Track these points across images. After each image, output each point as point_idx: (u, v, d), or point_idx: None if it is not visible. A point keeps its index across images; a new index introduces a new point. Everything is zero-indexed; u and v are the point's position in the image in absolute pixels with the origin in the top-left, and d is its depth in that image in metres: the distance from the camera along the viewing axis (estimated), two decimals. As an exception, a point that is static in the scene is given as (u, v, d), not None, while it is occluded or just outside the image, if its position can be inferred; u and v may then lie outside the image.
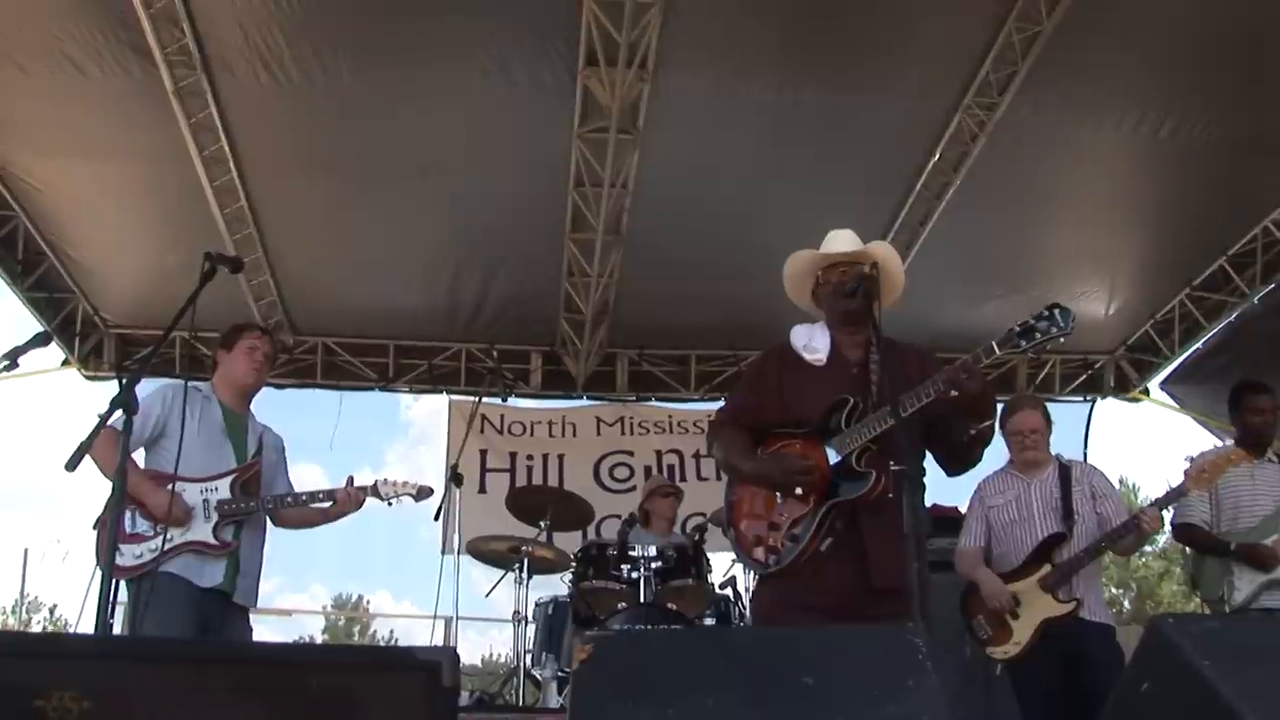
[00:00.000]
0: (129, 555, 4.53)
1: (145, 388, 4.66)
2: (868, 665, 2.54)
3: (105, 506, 4.58)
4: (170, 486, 4.49)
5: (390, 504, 5.04)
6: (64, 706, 2.12)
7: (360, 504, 5.00)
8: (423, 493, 5.11)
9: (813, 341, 4.05)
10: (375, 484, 5.01)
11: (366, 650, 3.90)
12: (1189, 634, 2.66)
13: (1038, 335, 3.62)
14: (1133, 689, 2.77)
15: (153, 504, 4.55)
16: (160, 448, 4.75)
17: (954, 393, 3.64)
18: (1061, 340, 3.70)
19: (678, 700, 2.44)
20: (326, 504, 4.97)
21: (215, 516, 4.69)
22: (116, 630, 4.18)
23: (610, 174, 7.87)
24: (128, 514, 4.54)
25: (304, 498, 4.96)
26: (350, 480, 5.01)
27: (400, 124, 7.66)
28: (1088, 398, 11.22)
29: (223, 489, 4.75)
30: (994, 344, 3.69)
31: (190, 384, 4.89)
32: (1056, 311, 3.61)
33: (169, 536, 4.53)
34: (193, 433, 4.69)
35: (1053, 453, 5.67)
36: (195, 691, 2.17)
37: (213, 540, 4.67)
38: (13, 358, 4.35)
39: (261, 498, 4.87)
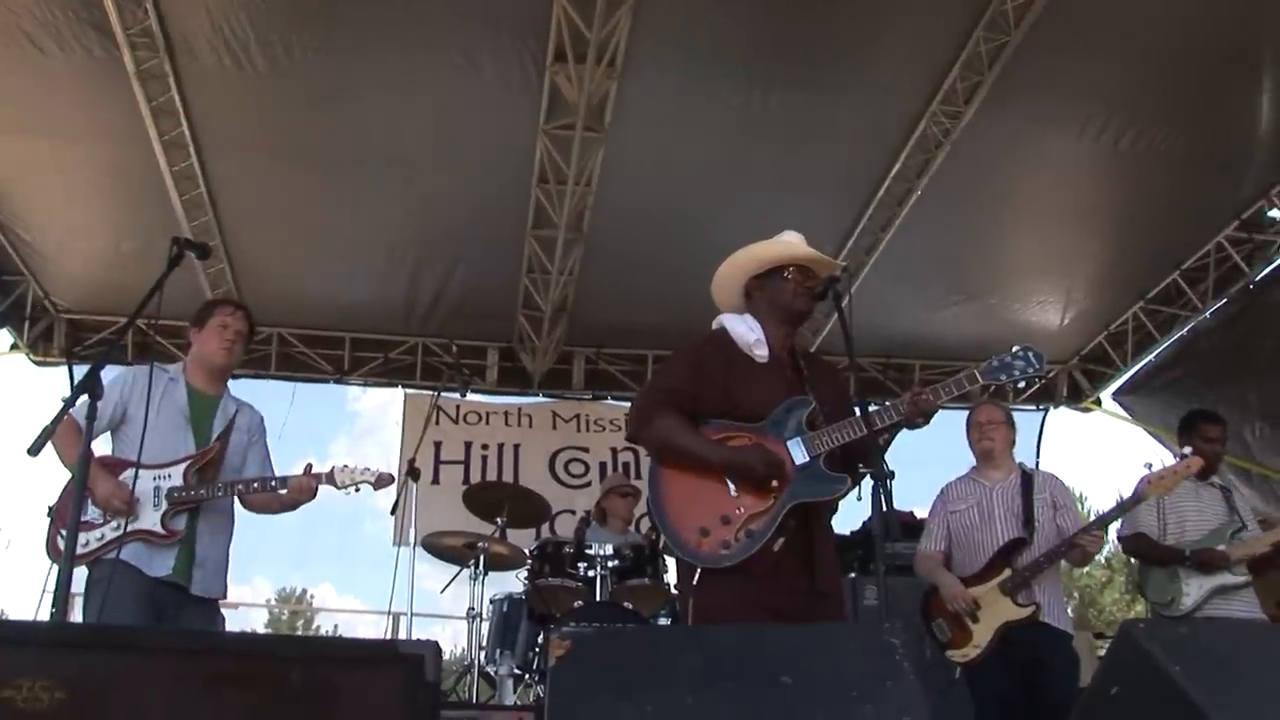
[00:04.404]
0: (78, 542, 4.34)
1: (107, 373, 4.63)
2: (846, 665, 2.54)
3: (61, 494, 4.48)
4: (135, 473, 4.39)
5: (347, 493, 4.72)
6: (35, 696, 2.06)
7: (313, 493, 4.74)
8: (382, 480, 4.78)
9: (759, 336, 3.99)
10: (331, 471, 4.72)
11: (348, 643, 3.66)
12: (1159, 639, 2.68)
13: (1015, 373, 3.90)
14: (1102, 693, 2.79)
15: (99, 491, 4.38)
16: (122, 434, 4.62)
17: (919, 419, 3.78)
18: (1039, 382, 3.88)
19: (656, 698, 2.43)
20: (282, 491, 4.71)
21: (165, 504, 4.51)
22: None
23: (575, 171, 7.85)
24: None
25: (255, 485, 4.72)
26: (308, 468, 4.74)
27: (364, 114, 7.60)
28: (1040, 406, 11.30)
29: (175, 476, 4.57)
30: (976, 373, 3.84)
31: (157, 366, 4.74)
32: (1031, 354, 3.86)
33: (117, 525, 4.40)
34: (153, 417, 4.55)
35: (1016, 461, 5.75)
36: (172, 682, 2.11)
37: (160, 529, 4.49)
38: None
39: (213, 484, 4.66)
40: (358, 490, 4.75)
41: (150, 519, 4.49)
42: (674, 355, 4.32)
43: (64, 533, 4.33)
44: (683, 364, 4.11)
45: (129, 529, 4.42)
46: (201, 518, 4.66)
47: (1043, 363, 3.87)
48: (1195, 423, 6.07)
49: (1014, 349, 3.87)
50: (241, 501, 4.86)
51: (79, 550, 4.28)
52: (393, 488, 5.42)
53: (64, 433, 4.23)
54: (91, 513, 4.43)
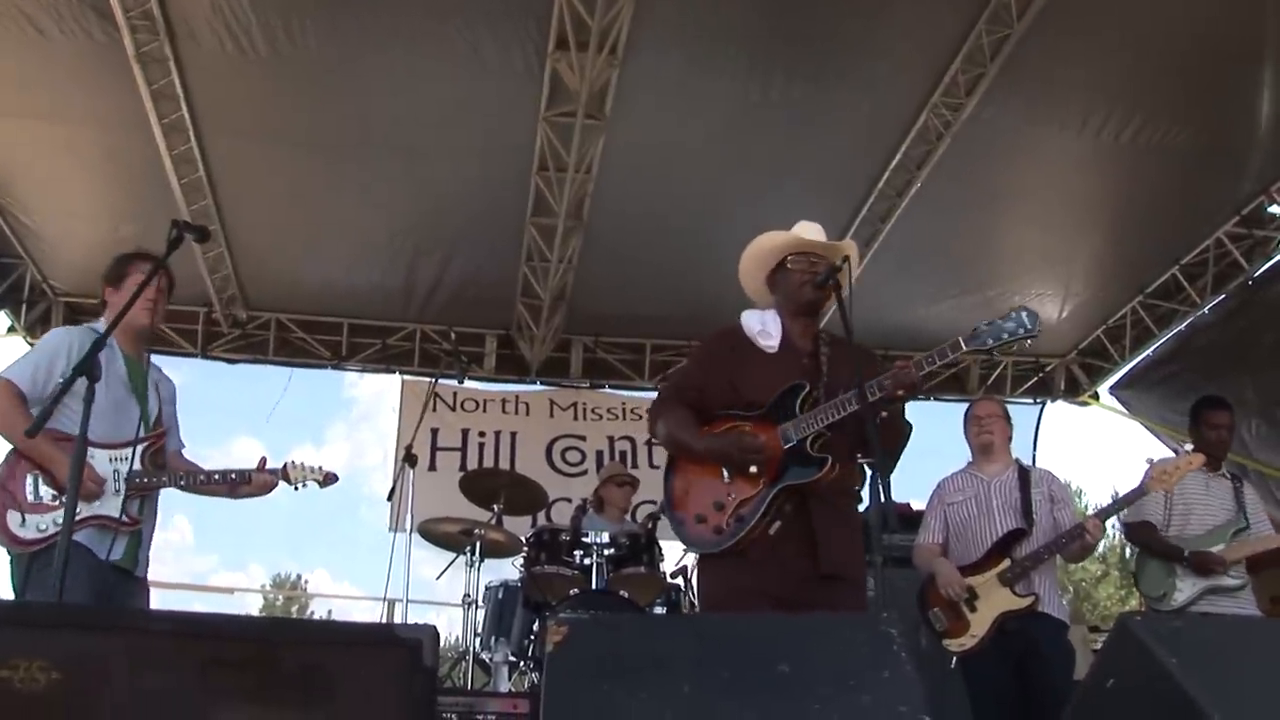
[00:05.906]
0: (31, 527, 4.14)
1: (51, 336, 4.50)
2: (843, 654, 2.54)
3: (2, 469, 4.25)
4: (133, 451, 4.30)
5: (297, 488, 4.71)
6: (31, 677, 2.05)
7: (271, 488, 4.67)
8: (329, 479, 4.76)
9: (766, 327, 4.07)
10: (285, 466, 4.68)
11: (346, 626, 3.62)
12: (1155, 632, 2.69)
13: (1005, 335, 3.72)
14: (1098, 684, 2.79)
15: (63, 473, 4.04)
16: (62, 404, 3.98)
17: (901, 392, 3.75)
18: (1028, 343, 3.78)
19: (652, 685, 2.43)
20: (243, 485, 4.62)
21: (124, 490, 4.30)
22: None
23: (575, 159, 7.82)
24: (29, 480, 4.19)
25: (216, 477, 4.60)
26: (262, 462, 4.67)
27: (365, 100, 7.57)
28: (1038, 400, 11.33)
29: (134, 459, 4.38)
30: (961, 340, 3.79)
31: (91, 328, 4.51)
32: (1024, 314, 3.71)
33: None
34: (100, 388, 4.12)
35: (1012, 456, 5.75)
36: (168, 665, 2.10)
37: (124, 517, 4.28)
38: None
39: (173, 472, 4.54)
40: (305, 486, 4.73)
41: (111, 505, 4.28)
42: (690, 350, 4.42)
43: (17, 514, 4.17)
44: (693, 359, 4.35)
45: (88, 514, 4.18)
46: (147, 501, 4.51)
47: (1036, 323, 3.70)
48: (1200, 410, 6.01)
49: (1008, 311, 3.74)
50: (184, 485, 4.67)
51: (34, 535, 4.15)
52: (389, 474, 5.42)
53: (8, 405, 4.17)
54: (44, 493, 4.21)
